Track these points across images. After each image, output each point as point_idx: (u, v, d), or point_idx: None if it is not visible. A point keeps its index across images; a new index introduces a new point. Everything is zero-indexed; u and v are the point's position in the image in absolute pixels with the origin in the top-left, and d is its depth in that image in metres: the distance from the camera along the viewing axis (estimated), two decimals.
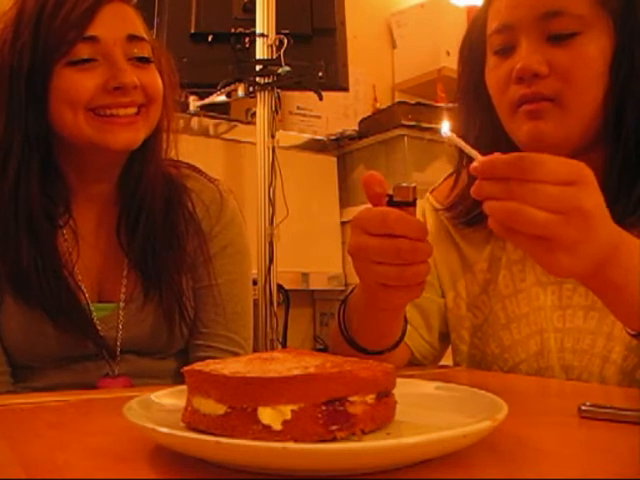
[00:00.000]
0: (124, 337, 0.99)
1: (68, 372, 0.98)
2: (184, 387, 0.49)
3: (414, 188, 0.69)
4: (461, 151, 0.99)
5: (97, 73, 0.92)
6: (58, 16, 0.91)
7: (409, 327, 0.96)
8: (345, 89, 2.18)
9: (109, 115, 0.93)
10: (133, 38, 0.95)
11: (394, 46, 3.08)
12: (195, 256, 1.05)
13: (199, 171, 1.13)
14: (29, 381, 0.98)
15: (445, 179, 1.10)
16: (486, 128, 0.96)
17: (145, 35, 0.98)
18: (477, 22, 0.98)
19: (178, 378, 1.06)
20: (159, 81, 0.98)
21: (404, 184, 0.68)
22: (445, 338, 1.04)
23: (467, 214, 0.98)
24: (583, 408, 0.55)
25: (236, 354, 1.04)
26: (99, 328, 0.98)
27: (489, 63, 0.93)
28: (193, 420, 0.46)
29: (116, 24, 0.94)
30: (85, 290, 0.99)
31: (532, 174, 0.58)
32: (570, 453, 0.48)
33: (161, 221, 1.02)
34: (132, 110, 0.94)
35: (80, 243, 1.00)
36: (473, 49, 0.98)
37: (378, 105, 2.82)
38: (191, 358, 1.04)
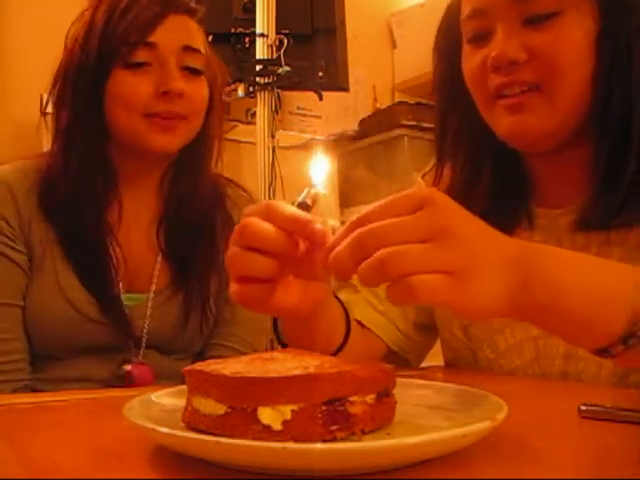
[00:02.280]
0: (150, 329, 1.02)
1: (91, 362, 0.99)
2: (184, 387, 0.49)
3: (314, 194, 0.67)
4: (438, 146, 0.98)
5: (150, 78, 0.98)
6: (124, 21, 0.97)
7: (383, 320, 0.95)
8: (345, 89, 2.18)
9: (157, 120, 0.98)
10: (188, 49, 1.01)
11: (394, 46, 3.08)
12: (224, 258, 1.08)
13: (233, 181, 1.18)
14: (51, 371, 0.99)
15: (433, 166, 1.06)
16: (466, 122, 0.93)
17: (201, 48, 1.04)
18: (452, 9, 0.94)
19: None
20: (205, 93, 1.04)
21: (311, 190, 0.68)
22: (424, 330, 1.01)
23: None
24: (583, 408, 0.55)
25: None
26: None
27: (464, 52, 0.89)
28: (193, 420, 0.46)
29: (175, 34, 1.00)
30: (118, 278, 1.02)
31: (372, 217, 0.50)
32: (570, 453, 0.48)
33: (200, 223, 1.07)
34: (177, 114, 1.00)
35: (120, 232, 1.04)
36: (448, 38, 0.94)
37: (378, 105, 2.82)
38: (205, 357, 1.07)
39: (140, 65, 0.98)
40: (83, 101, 0.98)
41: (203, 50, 1.04)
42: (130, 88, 0.97)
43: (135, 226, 1.06)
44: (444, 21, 0.97)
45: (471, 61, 0.86)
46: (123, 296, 1.02)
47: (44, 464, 0.45)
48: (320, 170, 0.66)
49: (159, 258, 1.05)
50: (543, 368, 0.88)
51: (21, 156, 1.08)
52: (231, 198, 1.13)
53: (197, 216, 1.07)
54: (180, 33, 1.01)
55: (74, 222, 1.00)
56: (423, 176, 1.08)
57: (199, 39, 1.05)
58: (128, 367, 0.99)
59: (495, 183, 0.92)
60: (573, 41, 0.79)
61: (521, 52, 0.79)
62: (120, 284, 1.02)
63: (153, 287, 1.04)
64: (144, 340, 1.02)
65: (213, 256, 1.06)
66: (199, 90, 1.02)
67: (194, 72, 1.02)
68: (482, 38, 0.84)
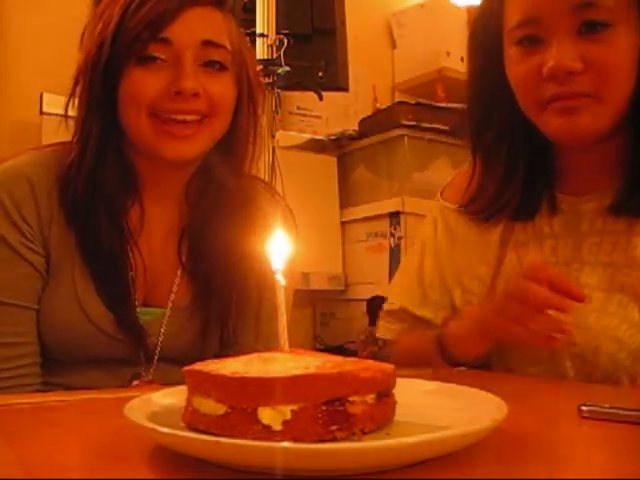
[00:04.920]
0: (164, 345, 0.98)
1: (100, 372, 0.96)
2: (184, 387, 0.49)
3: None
4: (474, 144, 0.99)
5: (163, 75, 0.91)
6: (138, 15, 0.91)
7: None
8: (345, 89, 2.18)
9: (167, 118, 0.92)
10: (209, 44, 0.93)
11: (394, 46, 3.08)
12: (250, 271, 1.01)
13: (267, 185, 1.13)
14: (58, 376, 0.96)
15: (454, 178, 1.09)
16: (507, 123, 0.94)
17: (226, 42, 0.95)
18: (486, 12, 0.93)
19: None
20: (230, 91, 0.96)
21: None
22: None
23: (483, 210, 0.98)
24: (583, 408, 0.55)
25: None
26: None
27: (511, 55, 0.89)
28: (193, 420, 0.46)
29: (194, 29, 0.93)
30: (135, 291, 0.97)
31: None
32: (570, 453, 0.48)
33: (227, 238, 0.99)
34: (192, 117, 0.92)
35: (140, 239, 0.99)
36: (485, 37, 0.93)
37: (378, 105, 2.82)
38: None
39: (153, 60, 0.91)
40: (96, 97, 0.93)
41: (229, 44, 0.96)
42: (139, 84, 0.91)
43: (157, 234, 1.01)
44: (479, 21, 0.95)
45: (521, 66, 0.87)
46: (139, 310, 0.97)
47: (44, 464, 0.45)
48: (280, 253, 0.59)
49: (179, 272, 1.00)
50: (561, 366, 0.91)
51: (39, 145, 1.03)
52: (262, 208, 1.05)
53: (224, 230, 1.00)
54: (200, 27, 0.93)
55: (91, 224, 0.94)
56: (442, 193, 1.09)
57: (224, 32, 0.96)
58: (136, 383, 0.96)
59: (526, 175, 0.94)
60: (624, 52, 0.83)
61: (578, 62, 0.81)
62: (137, 296, 0.97)
63: (170, 303, 0.99)
64: (156, 357, 0.98)
65: (237, 275, 1.00)
66: (223, 88, 0.94)
67: (217, 67, 0.94)
68: (533, 43, 0.85)
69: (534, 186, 0.94)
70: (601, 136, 0.86)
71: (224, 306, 1.00)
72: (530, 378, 0.90)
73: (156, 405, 0.52)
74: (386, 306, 1.11)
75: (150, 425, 0.43)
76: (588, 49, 0.82)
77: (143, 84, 0.91)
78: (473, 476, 0.42)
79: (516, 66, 0.88)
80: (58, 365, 0.96)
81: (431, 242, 1.07)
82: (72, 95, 0.96)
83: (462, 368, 0.91)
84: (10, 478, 0.41)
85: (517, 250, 0.96)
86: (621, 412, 0.54)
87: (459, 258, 1.03)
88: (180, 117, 0.91)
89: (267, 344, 1.03)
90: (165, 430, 0.41)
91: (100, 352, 0.95)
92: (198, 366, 0.48)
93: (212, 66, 0.94)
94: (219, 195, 1.00)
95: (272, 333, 1.06)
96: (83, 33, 0.97)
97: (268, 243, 0.59)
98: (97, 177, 0.94)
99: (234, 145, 1.00)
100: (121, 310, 0.95)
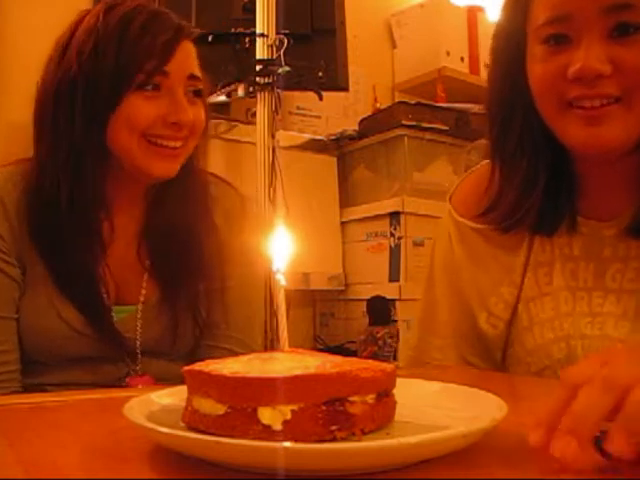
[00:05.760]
0: (142, 339, 1.02)
1: (85, 372, 1.00)
2: (184, 387, 0.49)
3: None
4: (492, 154, 0.93)
5: (159, 104, 0.97)
6: (140, 45, 0.96)
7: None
8: (345, 89, 2.18)
9: (159, 145, 0.98)
10: (193, 77, 1.01)
11: (394, 46, 3.08)
12: (211, 260, 1.07)
13: (220, 178, 1.16)
14: (40, 377, 0.99)
15: (462, 181, 1.04)
16: (528, 129, 0.88)
17: (200, 73, 1.03)
18: (512, 9, 0.89)
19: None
20: (204, 114, 1.04)
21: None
22: None
23: (503, 220, 0.92)
24: None
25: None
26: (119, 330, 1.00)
27: (535, 54, 0.84)
28: (193, 420, 0.46)
29: (184, 62, 1.00)
30: (106, 293, 1.01)
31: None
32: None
33: (186, 236, 1.05)
34: (179, 143, 1.00)
35: (108, 249, 1.03)
36: (509, 40, 0.89)
37: (378, 105, 2.82)
38: (201, 358, 1.04)
39: (151, 89, 0.97)
40: (87, 122, 0.96)
41: (201, 74, 1.04)
42: (138, 111, 0.96)
43: (124, 238, 1.05)
44: (504, 19, 0.91)
45: (544, 64, 0.82)
46: (114, 308, 1.02)
47: (44, 464, 0.45)
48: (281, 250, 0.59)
49: (146, 269, 1.05)
50: None
51: (8, 160, 1.06)
52: (215, 198, 1.11)
53: (183, 227, 1.05)
54: (187, 60, 1.01)
55: (61, 238, 0.98)
56: (450, 199, 1.03)
57: (198, 63, 1.04)
58: (129, 379, 1.00)
59: (547, 186, 0.89)
60: None
61: (607, 65, 0.77)
62: (109, 297, 1.02)
63: (142, 300, 1.03)
64: (138, 351, 1.02)
65: (199, 263, 1.05)
66: (201, 114, 1.03)
67: (197, 95, 1.02)
68: (560, 42, 0.80)
69: (555, 201, 0.90)
70: (627, 149, 0.82)
71: (191, 298, 1.04)
72: (530, 378, 0.90)
73: (156, 405, 0.52)
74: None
75: (150, 425, 0.43)
76: (619, 52, 0.77)
77: (141, 111, 0.96)
78: (473, 476, 0.42)
79: (539, 64, 0.83)
80: (39, 366, 0.99)
81: (448, 263, 1.01)
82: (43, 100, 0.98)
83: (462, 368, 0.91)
84: (10, 478, 0.41)
85: (536, 271, 0.92)
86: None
87: (482, 278, 0.97)
88: (172, 144, 0.99)
89: (240, 331, 1.10)
90: (165, 430, 0.41)
91: (80, 352, 0.99)
92: (198, 366, 0.48)
93: (193, 95, 1.02)
94: (176, 194, 1.05)
95: (243, 319, 1.09)
96: (65, 43, 0.98)
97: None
98: (74, 194, 0.97)
99: (195, 156, 1.07)
100: (93, 312, 0.99)
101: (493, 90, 0.93)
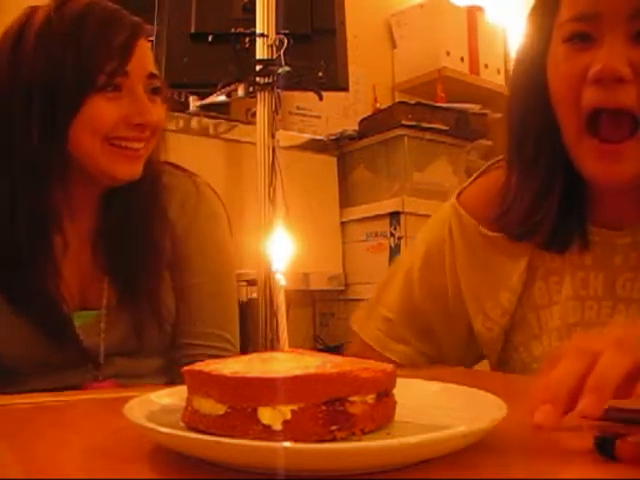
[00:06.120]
0: (107, 343, 1.00)
1: (51, 379, 0.97)
2: (184, 387, 0.49)
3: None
4: (510, 158, 0.90)
5: (120, 104, 0.95)
6: (99, 45, 0.93)
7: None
8: (345, 89, 2.18)
9: (123, 147, 0.96)
10: (152, 76, 0.99)
11: (394, 46, 3.08)
12: (173, 256, 1.05)
13: (175, 166, 1.12)
14: (4, 386, 0.97)
15: (474, 179, 1.00)
16: (548, 136, 0.85)
17: (156, 69, 1.01)
18: (538, 14, 0.86)
19: (164, 375, 1.05)
20: (164, 112, 1.02)
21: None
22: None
23: (517, 227, 0.89)
24: None
25: (225, 350, 1.06)
26: (82, 337, 0.98)
27: (557, 54, 0.81)
28: (193, 420, 0.46)
29: (143, 60, 0.98)
30: (67, 299, 0.98)
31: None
32: (570, 453, 0.48)
33: (138, 232, 1.02)
34: (143, 144, 0.98)
35: (67, 252, 0.99)
36: (534, 41, 0.86)
37: (378, 105, 2.82)
38: (180, 357, 1.04)
39: (113, 90, 0.94)
40: (46, 129, 0.92)
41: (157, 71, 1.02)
42: (100, 113, 0.93)
43: (79, 244, 1.02)
44: (531, 22, 0.88)
45: (565, 65, 0.80)
46: (76, 314, 0.99)
47: (44, 464, 0.45)
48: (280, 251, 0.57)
49: (106, 272, 1.02)
50: None
51: None
52: (169, 188, 1.07)
53: (136, 229, 1.02)
54: (145, 59, 0.99)
55: (13, 259, 0.94)
56: (459, 195, 1.00)
57: (153, 60, 1.02)
58: (87, 385, 0.98)
59: (562, 198, 0.87)
60: None
61: (627, 68, 0.75)
62: (71, 304, 0.99)
63: (104, 303, 1.01)
64: (102, 356, 1.00)
65: (157, 260, 1.03)
66: (161, 112, 1.01)
67: (155, 93, 1.00)
68: (583, 41, 0.78)
69: (569, 213, 0.87)
70: None
71: (153, 299, 1.02)
72: (530, 378, 0.90)
73: (156, 405, 0.52)
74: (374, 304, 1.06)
75: (150, 425, 0.43)
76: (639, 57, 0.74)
77: (103, 114, 0.94)
78: (473, 476, 0.42)
79: (560, 65, 0.80)
80: (10, 375, 0.97)
81: (436, 252, 0.99)
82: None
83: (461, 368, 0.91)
84: (10, 478, 0.41)
85: (547, 279, 0.91)
86: (621, 412, 0.54)
87: (479, 280, 0.95)
88: (136, 146, 0.97)
89: (217, 326, 1.06)
90: (165, 430, 0.41)
91: (42, 360, 0.97)
92: (198, 366, 0.48)
93: (153, 93, 0.99)
94: (128, 192, 1.01)
95: (217, 313, 1.06)
96: (14, 49, 0.94)
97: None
98: (29, 205, 0.94)
99: (151, 156, 1.04)
100: (52, 324, 0.96)
101: (514, 94, 0.91)
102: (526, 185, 0.88)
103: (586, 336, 0.53)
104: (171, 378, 1.04)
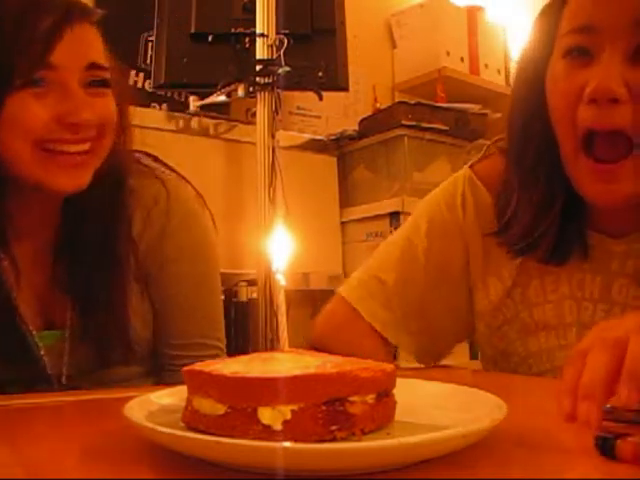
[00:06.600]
0: (69, 364, 0.92)
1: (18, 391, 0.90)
2: (184, 387, 0.49)
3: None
4: (510, 164, 0.89)
5: (49, 102, 0.83)
6: (18, 33, 0.81)
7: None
8: (345, 89, 2.18)
9: (58, 151, 0.84)
10: (93, 66, 0.86)
11: (394, 46, 3.08)
12: (145, 267, 0.97)
13: (142, 164, 1.00)
14: None
15: (486, 155, 0.99)
16: (547, 148, 0.84)
17: (105, 60, 0.89)
18: (542, 21, 0.86)
19: (144, 381, 1.00)
20: (113, 109, 0.90)
21: None
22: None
23: (517, 242, 0.88)
24: None
25: (214, 357, 1.00)
26: (46, 357, 0.92)
27: (555, 71, 0.80)
28: (193, 420, 0.46)
29: (77, 51, 0.84)
30: (29, 319, 0.91)
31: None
32: (569, 453, 0.48)
33: (98, 246, 0.92)
34: (84, 147, 0.86)
35: (20, 274, 0.90)
36: (537, 48, 0.86)
37: (378, 105, 2.82)
38: (167, 367, 0.99)
39: (36, 85, 0.82)
40: None
41: (107, 61, 0.89)
42: (24, 113, 0.81)
43: (39, 263, 0.93)
44: (536, 28, 0.87)
45: (563, 84, 0.79)
46: (39, 334, 0.92)
47: (44, 464, 0.45)
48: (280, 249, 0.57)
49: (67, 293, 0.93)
50: None
51: None
52: (135, 191, 0.95)
53: (96, 243, 0.92)
54: (82, 48, 0.85)
55: None
56: (472, 166, 0.99)
57: (101, 49, 0.89)
58: None
59: (563, 211, 0.86)
60: None
61: (622, 88, 0.73)
62: (34, 325, 0.92)
63: (68, 322, 0.93)
64: (64, 377, 0.92)
65: (123, 283, 0.93)
66: (107, 108, 0.88)
67: (100, 85, 0.87)
68: (582, 54, 0.77)
69: (568, 227, 0.87)
70: None
71: (117, 318, 0.93)
72: (530, 378, 0.90)
73: (155, 405, 0.52)
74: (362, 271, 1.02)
75: (150, 425, 0.43)
76: (636, 77, 0.73)
77: (29, 114, 0.82)
78: (473, 476, 0.42)
79: (559, 82, 0.80)
80: None
81: (449, 220, 0.96)
82: None
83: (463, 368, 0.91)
84: (10, 478, 0.41)
85: (543, 278, 0.91)
86: (621, 412, 0.54)
87: (483, 255, 0.94)
88: (73, 149, 0.85)
89: (201, 335, 1.00)
90: (165, 430, 0.41)
91: (9, 377, 0.91)
92: (198, 366, 0.48)
93: (96, 86, 0.87)
94: (90, 203, 0.92)
95: (201, 322, 0.99)
96: None
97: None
98: None
99: (111, 161, 0.92)
100: (10, 350, 0.90)
101: (515, 99, 0.90)
102: (526, 198, 0.87)
103: (607, 325, 0.53)
104: (156, 381, 1.00)
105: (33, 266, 0.93)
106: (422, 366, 1.01)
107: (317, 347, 0.99)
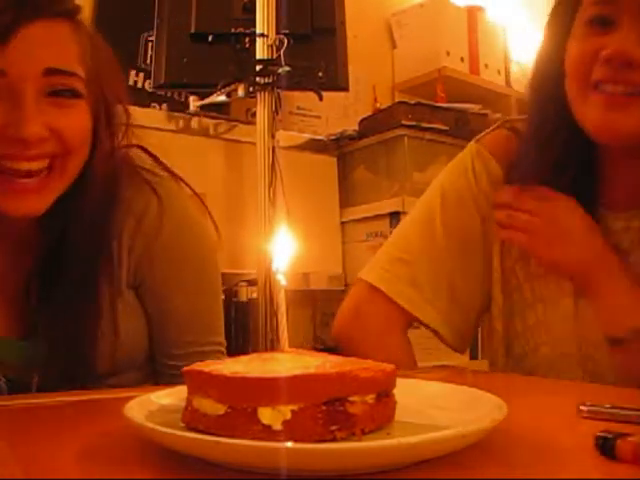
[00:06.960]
0: (43, 374, 0.85)
1: None
2: (184, 387, 0.49)
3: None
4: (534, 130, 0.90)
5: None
6: None
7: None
8: (345, 89, 2.18)
9: (8, 169, 0.75)
10: (54, 72, 0.75)
11: (394, 46, 3.08)
12: (135, 280, 0.91)
13: (136, 170, 0.92)
14: None
15: (493, 129, 1.00)
16: (565, 117, 0.86)
17: (77, 66, 0.78)
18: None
19: (144, 383, 0.96)
20: (84, 122, 0.80)
21: None
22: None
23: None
24: (582, 408, 0.55)
25: (216, 358, 0.95)
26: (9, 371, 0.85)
27: (577, 33, 0.83)
28: (193, 420, 0.46)
29: (33, 54, 0.74)
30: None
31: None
32: (569, 453, 0.48)
33: (75, 277, 0.84)
34: (40, 165, 0.76)
35: None
36: (559, 22, 0.88)
37: (378, 105, 2.82)
38: (167, 376, 0.95)
39: None
40: None
41: (81, 67, 0.78)
42: None
43: (9, 276, 0.86)
44: (554, 16, 0.90)
45: (582, 45, 0.82)
46: (21, 344, 0.86)
47: (43, 464, 0.45)
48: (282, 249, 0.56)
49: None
50: (568, 349, 0.88)
51: None
52: (125, 201, 0.87)
53: (76, 267, 0.83)
54: (41, 51, 0.74)
55: None
56: (478, 140, 1.01)
57: (74, 52, 0.78)
58: None
59: (574, 183, 0.89)
60: None
61: (638, 52, 0.76)
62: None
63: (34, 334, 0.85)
64: (34, 388, 0.85)
65: (96, 316, 0.85)
66: (76, 120, 0.78)
67: (67, 95, 0.77)
68: (603, 23, 0.80)
69: (579, 198, 0.88)
70: None
71: (82, 349, 0.86)
72: (530, 378, 0.90)
73: (155, 405, 0.52)
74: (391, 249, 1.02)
75: (150, 425, 0.43)
76: None
77: None
78: (473, 476, 0.42)
79: (577, 43, 0.82)
80: None
81: (468, 196, 0.97)
82: None
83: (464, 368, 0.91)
84: (10, 478, 0.41)
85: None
86: (621, 412, 0.54)
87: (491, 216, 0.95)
88: (24, 167, 0.75)
89: (201, 344, 0.96)
90: (165, 430, 0.41)
91: None
92: (198, 366, 0.48)
93: (61, 95, 0.77)
94: (71, 222, 0.84)
95: (206, 325, 0.95)
96: None
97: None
98: None
99: (93, 175, 0.84)
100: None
101: (537, 69, 0.92)
102: (543, 159, 0.89)
103: None
104: (153, 383, 0.98)
105: (4, 280, 0.86)
106: (422, 366, 1.01)
107: (340, 337, 1.00)
